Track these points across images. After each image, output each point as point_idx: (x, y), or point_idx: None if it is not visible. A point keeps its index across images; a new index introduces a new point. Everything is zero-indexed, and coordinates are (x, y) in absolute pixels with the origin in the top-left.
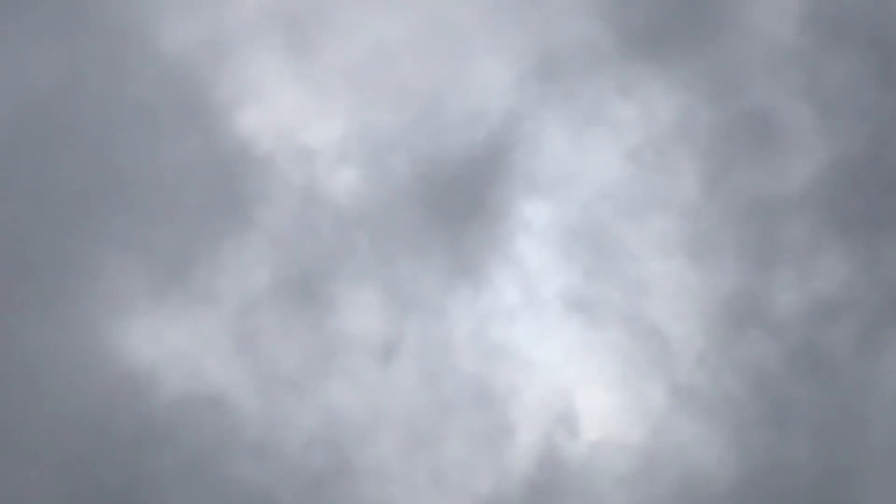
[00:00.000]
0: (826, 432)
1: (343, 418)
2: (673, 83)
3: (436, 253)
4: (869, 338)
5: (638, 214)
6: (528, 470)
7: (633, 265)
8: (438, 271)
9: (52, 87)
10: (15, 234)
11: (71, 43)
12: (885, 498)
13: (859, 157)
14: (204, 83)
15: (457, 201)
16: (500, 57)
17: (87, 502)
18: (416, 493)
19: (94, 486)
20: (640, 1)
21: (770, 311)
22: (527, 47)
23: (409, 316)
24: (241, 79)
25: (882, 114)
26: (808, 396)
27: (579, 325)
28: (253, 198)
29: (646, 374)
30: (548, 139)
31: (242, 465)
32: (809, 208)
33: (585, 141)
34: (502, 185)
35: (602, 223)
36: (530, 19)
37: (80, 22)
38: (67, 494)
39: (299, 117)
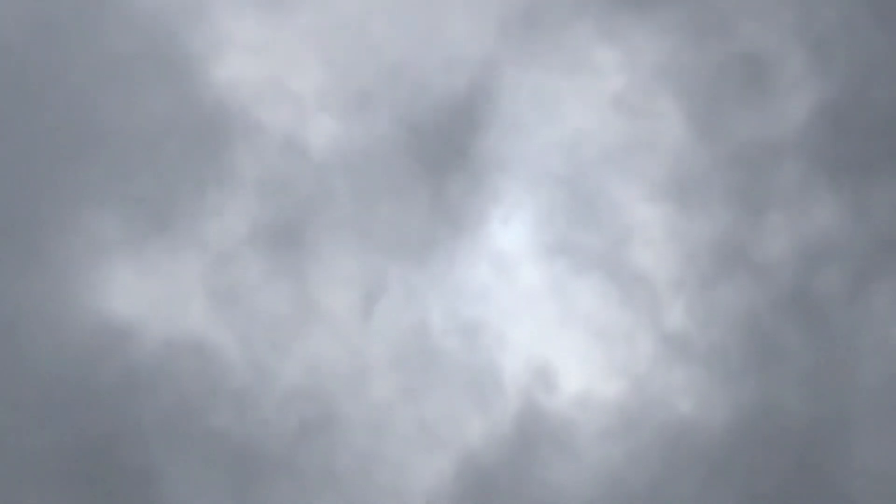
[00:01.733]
0: (815, 377)
1: (327, 368)
2: (658, 26)
3: (417, 200)
4: (858, 282)
5: (622, 160)
6: (515, 417)
7: (618, 211)
8: (420, 218)
9: (26, 39)
10: None
11: None
12: (874, 441)
13: (851, 100)
14: (182, 34)
15: (438, 148)
16: (483, 2)
17: (69, 453)
18: (406, 444)
19: (76, 438)
20: None
21: (759, 257)
22: None
23: (392, 263)
24: (219, 29)
25: (875, 56)
26: (797, 342)
27: (563, 271)
28: (232, 147)
29: (632, 321)
30: (530, 85)
31: (225, 415)
32: (799, 152)
33: (568, 87)
34: (484, 131)
35: (585, 169)
36: None
37: None
38: (50, 445)
39: (278, 66)
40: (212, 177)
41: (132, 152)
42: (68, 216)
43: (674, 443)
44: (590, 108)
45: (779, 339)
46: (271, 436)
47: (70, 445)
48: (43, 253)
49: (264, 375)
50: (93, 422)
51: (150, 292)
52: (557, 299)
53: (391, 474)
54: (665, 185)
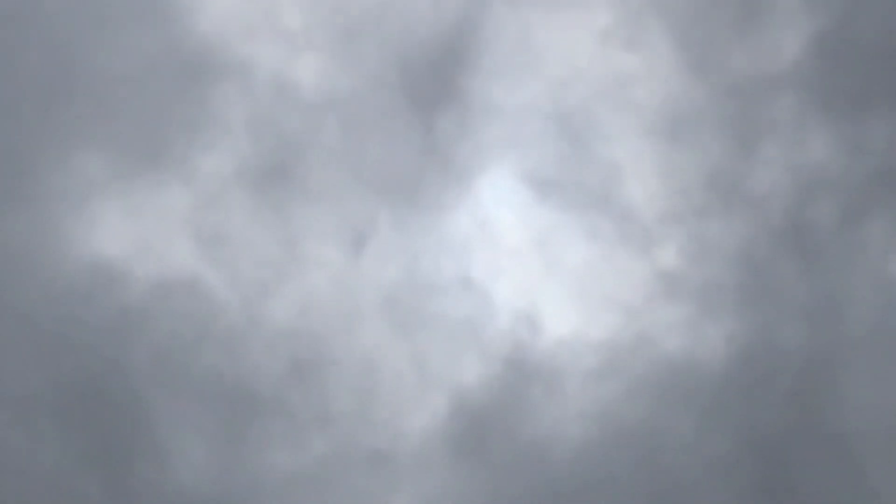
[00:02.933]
0: (809, 312)
1: (320, 306)
2: None
3: (406, 137)
4: (852, 215)
5: (613, 95)
6: (507, 356)
7: (608, 146)
8: (410, 158)
9: None
10: None
11: None
12: (869, 376)
13: (845, 32)
14: None
15: (426, 85)
16: None
17: (60, 394)
18: (400, 382)
19: (67, 378)
20: None
21: (752, 191)
22: None
23: (382, 203)
24: None
25: None
26: (791, 276)
27: (553, 208)
28: (220, 86)
29: (624, 258)
30: (518, 21)
31: (216, 355)
32: (793, 85)
33: (557, 21)
34: (473, 67)
35: (575, 104)
36: None
37: None
38: (40, 386)
39: (266, 4)
40: (200, 116)
41: (119, 92)
42: (55, 157)
43: (667, 380)
44: (579, 43)
45: (773, 274)
46: (263, 376)
47: (61, 386)
48: (31, 194)
49: (255, 315)
50: (82, 362)
51: (139, 232)
52: (548, 237)
53: (385, 413)
54: (656, 119)
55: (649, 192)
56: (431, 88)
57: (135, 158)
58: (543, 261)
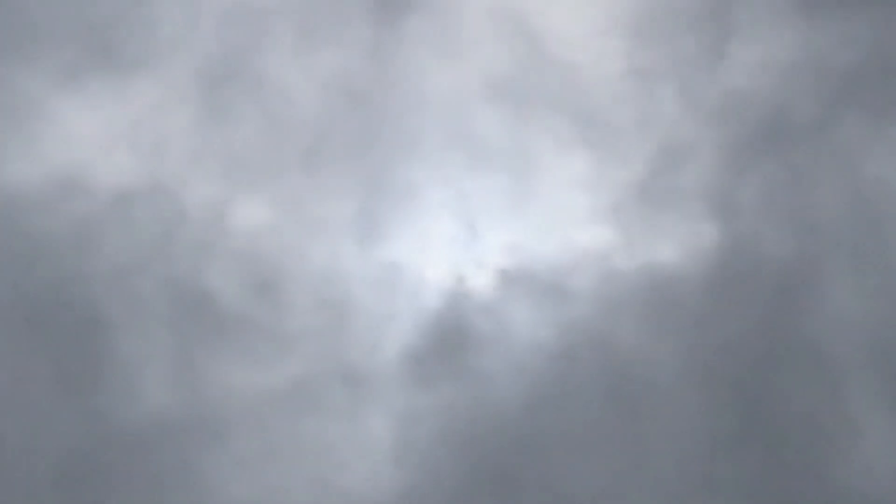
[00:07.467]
0: (787, 216)
1: (286, 217)
2: None
3: (360, 45)
4: (829, 113)
5: None
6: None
7: (569, 49)
8: (364, 63)
9: None
10: None
11: None
12: (849, 280)
13: None
14: None
15: None
16: None
17: (15, 308)
18: (372, 289)
19: (22, 293)
20: None
21: (727, 89)
22: None
23: (339, 104)
24: None
25: None
26: (768, 178)
27: (508, 115)
28: None
29: (594, 166)
30: None
31: (182, 264)
32: None
33: None
34: None
35: (532, 6)
36: None
37: None
38: None
39: None
40: (157, 17)
41: None
42: (6, 67)
43: (656, 291)
44: None
45: (748, 177)
46: (233, 287)
47: (16, 300)
48: None
49: (225, 221)
50: (41, 276)
51: (96, 141)
52: (514, 140)
53: (357, 329)
54: (622, 17)
55: (616, 95)
56: None
57: (91, 55)
58: (511, 170)
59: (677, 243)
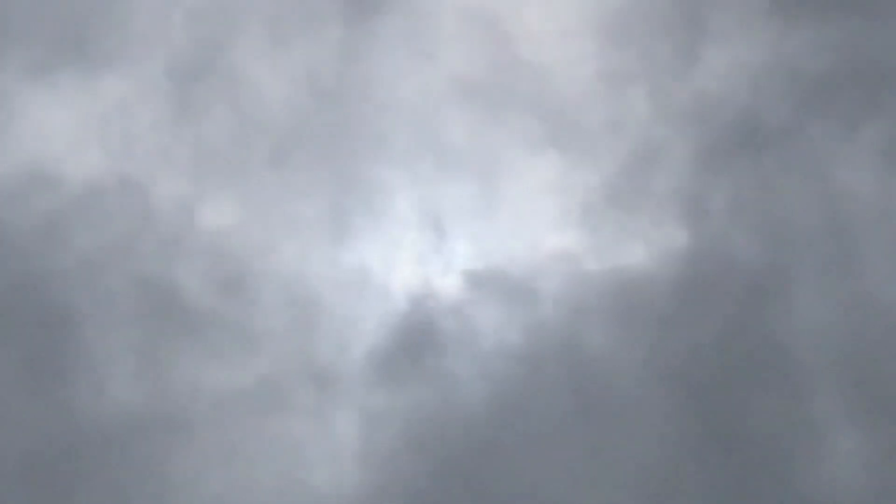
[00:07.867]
0: (757, 220)
1: (260, 210)
2: None
3: (332, 39)
4: (803, 117)
5: None
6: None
7: (539, 48)
8: (334, 59)
9: None
10: None
11: None
12: (818, 286)
13: None
14: None
15: None
16: None
17: None
18: (340, 289)
19: None
20: None
21: (699, 92)
22: None
23: (310, 101)
24: None
25: None
26: (739, 181)
27: (478, 116)
28: None
29: (565, 168)
30: None
31: (151, 261)
32: None
33: None
34: None
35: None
36: None
37: None
38: None
39: None
40: (132, 9)
41: None
42: None
43: (624, 294)
44: None
45: (718, 181)
46: (203, 284)
47: None
48: None
49: (194, 216)
50: (8, 267)
51: (68, 133)
52: (483, 142)
53: (327, 328)
54: (593, 20)
55: (587, 96)
56: None
57: (62, 52)
58: (481, 173)
59: (646, 246)
